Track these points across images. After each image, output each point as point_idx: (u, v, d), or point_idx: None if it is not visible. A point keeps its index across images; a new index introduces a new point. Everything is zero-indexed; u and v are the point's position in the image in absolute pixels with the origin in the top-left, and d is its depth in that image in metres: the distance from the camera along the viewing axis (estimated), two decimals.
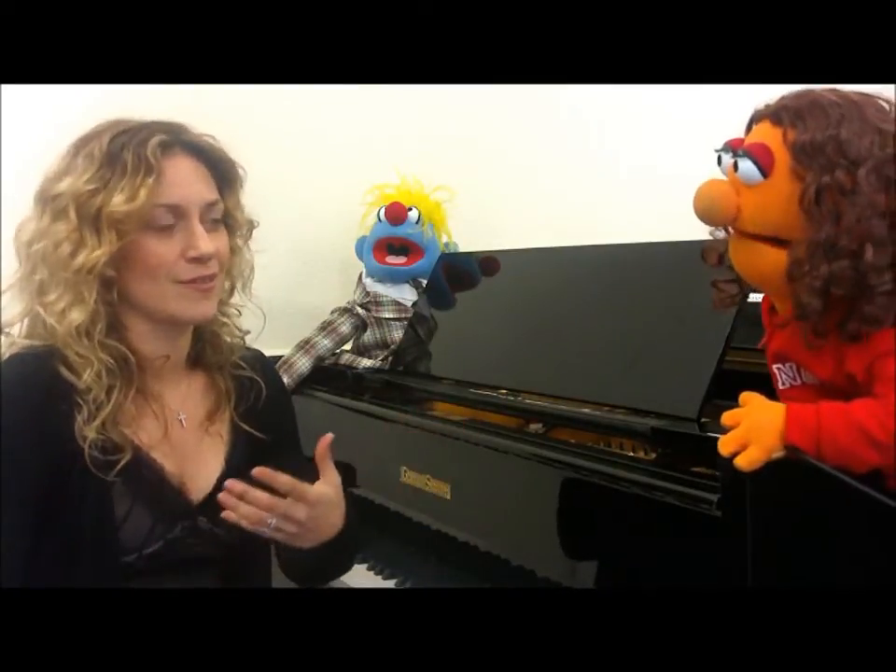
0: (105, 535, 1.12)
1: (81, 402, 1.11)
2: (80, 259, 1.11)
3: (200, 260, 1.15)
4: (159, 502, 1.15)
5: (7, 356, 1.15)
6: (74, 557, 1.11)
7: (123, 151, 1.12)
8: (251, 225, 1.27)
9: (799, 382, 1.12)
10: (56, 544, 1.10)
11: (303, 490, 1.15)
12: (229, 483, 1.12)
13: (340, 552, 1.26)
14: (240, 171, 1.23)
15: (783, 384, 1.14)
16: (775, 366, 1.14)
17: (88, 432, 1.10)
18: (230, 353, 1.29)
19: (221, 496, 1.12)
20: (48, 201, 1.14)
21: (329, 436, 1.19)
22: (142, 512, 1.14)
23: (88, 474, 1.10)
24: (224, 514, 1.12)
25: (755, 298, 1.20)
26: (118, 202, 1.10)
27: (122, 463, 1.12)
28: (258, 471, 1.12)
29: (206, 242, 1.15)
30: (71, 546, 1.11)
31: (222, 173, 1.21)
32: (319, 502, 1.17)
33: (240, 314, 1.30)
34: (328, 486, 1.19)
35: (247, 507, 1.12)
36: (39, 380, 1.11)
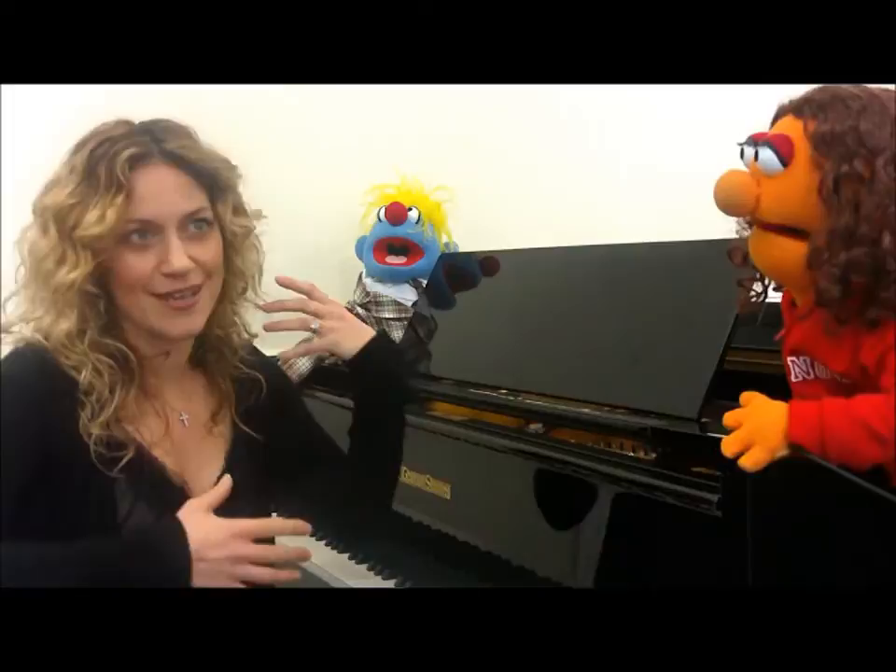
0: (107, 533, 1.12)
1: (84, 399, 1.11)
2: (58, 277, 1.11)
3: (174, 275, 1.13)
4: (161, 500, 1.15)
5: (10, 350, 1.14)
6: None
7: (98, 166, 1.11)
8: (248, 230, 1.23)
9: (812, 376, 1.13)
10: (58, 542, 1.10)
11: (320, 293, 1.36)
12: (264, 304, 1.28)
13: (390, 360, 1.39)
14: (233, 173, 1.21)
15: (796, 377, 1.15)
16: (789, 359, 1.15)
17: (93, 428, 1.10)
18: (234, 358, 1.28)
19: (265, 323, 1.30)
20: (36, 213, 1.15)
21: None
22: (144, 510, 1.13)
23: (91, 471, 1.10)
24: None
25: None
26: (89, 221, 1.09)
27: (126, 459, 1.12)
28: (279, 277, 1.32)
29: (180, 257, 1.12)
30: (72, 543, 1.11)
31: (210, 179, 1.18)
32: (336, 303, 1.38)
33: (258, 307, 1.28)
34: None
35: (289, 319, 1.34)
36: (42, 375, 1.11)
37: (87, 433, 1.09)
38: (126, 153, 1.11)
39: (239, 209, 1.22)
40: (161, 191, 1.13)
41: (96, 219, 1.09)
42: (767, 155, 1.05)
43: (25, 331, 1.16)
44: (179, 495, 1.17)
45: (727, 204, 1.08)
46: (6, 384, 1.10)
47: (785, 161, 1.04)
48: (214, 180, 1.18)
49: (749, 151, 1.07)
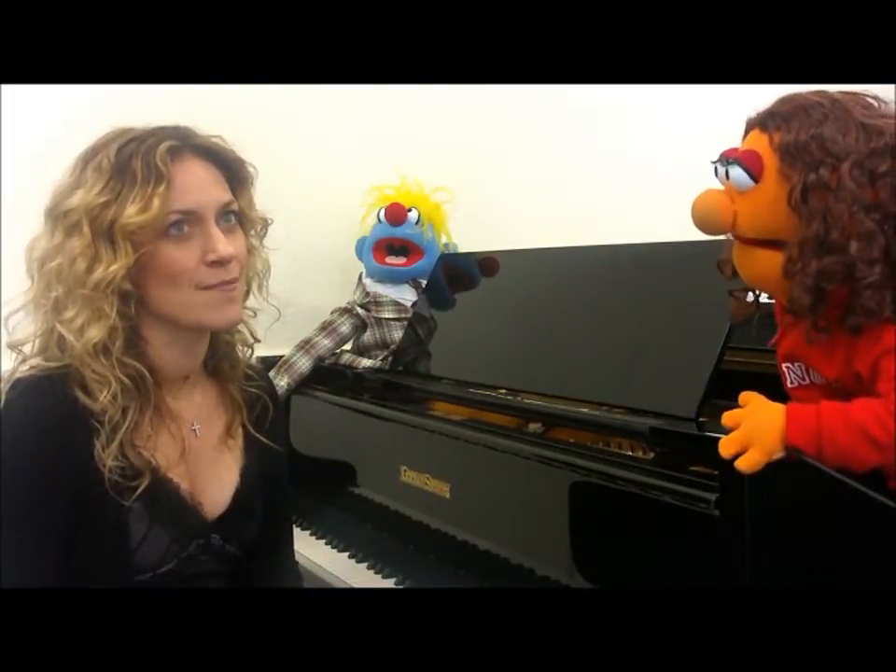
0: (119, 560, 1.11)
1: (98, 427, 1.08)
2: (97, 274, 1.08)
3: (220, 263, 1.13)
4: (176, 522, 1.14)
5: (20, 374, 1.12)
6: (86, 578, 1.10)
7: (132, 160, 1.10)
8: (265, 223, 1.25)
9: (807, 381, 1.13)
10: (70, 568, 1.09)
11: None
12: None
13: None
14: (250, 169, 1.22)
15: (791, 382, 1.15)
16: (784, 365, 1.15)
17: (107, 459, 1.08)
18: (244, 364, 1.28)
19: None
20: (59, 217, 1.12)
21: None
22: (159, 533, 1.13)
23: (105, 501, 1.09)
24: None
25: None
26: (131, 212, 1.08)
27: (143, 487, 1.10)
28: None
29: (225, 244, 1.13)
30: (84, 570, 1.10)
31: (234, 173, 1.19)
32: None
33: (255, 315, 1.27)
34: None
35: None
36: (56, 409, 1.08)
37: (102, 464, 1.08)
38: (165, 145, 1.11)
39: (255, 206, 1.23)
40: (200, 182, 1.14)
41: (139, 210, 1.08)
42: (738, 173, 1.05)
43: (27, 353, 1.14)
44: (194, 515, 1.17)
45: (705, 224, 1.09)
46: (19, 418, 1.08)
47: (755, 177, 1.05)
48: (236, 174, 1.20)
49: (721, 168, 1.08)
